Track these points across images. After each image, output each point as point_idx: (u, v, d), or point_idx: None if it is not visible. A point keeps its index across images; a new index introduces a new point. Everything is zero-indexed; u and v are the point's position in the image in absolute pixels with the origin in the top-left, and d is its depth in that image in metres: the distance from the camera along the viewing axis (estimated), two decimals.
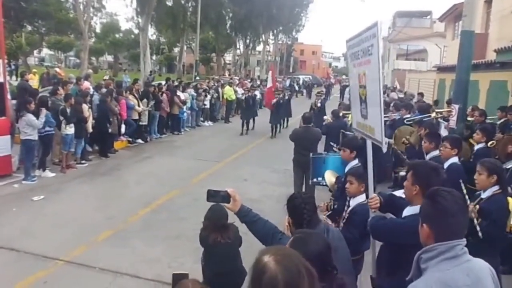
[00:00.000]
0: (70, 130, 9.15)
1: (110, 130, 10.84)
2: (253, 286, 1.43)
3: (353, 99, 3.52)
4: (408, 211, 2.82)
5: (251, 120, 16.65)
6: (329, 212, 4.50)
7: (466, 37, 7.59)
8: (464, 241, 1.85)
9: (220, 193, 2.67)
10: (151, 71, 45.10)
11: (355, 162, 4.66)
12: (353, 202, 3.69)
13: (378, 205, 3.09)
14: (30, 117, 8.16)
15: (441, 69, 20.35)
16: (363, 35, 2.89)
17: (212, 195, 2.68)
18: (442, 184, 2.93)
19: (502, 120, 8.24)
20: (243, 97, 17.49)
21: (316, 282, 1.43)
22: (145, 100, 12.69)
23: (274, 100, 15.69)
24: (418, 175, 2.78)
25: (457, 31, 20.57)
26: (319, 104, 14.29)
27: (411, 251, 2.11)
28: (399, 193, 3.60)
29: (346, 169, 4.58)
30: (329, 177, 5.06)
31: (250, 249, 3.69)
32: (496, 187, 3.79)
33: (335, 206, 4.31)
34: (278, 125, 16.25)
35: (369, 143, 3.17)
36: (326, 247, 2.04)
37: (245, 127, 16.14)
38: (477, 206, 3.80)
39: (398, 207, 3.03)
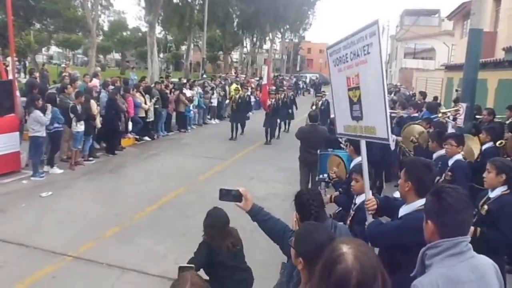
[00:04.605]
0: (80, 127, 9.23)
1: (120, 128, 10.94)
2: (322, 271, 1.35)
3: (337, 104, 3.33)
4: (404, 210, 2.80)
5: (241, 124, 14.70)
6: (338, 209, 4.54)
7: (474, 36, 7.54)
8: (468, 237, 1.87)
9: (232, 192, 2.69)
10: (165, 69, 45.42)
11: (360, 158, 4.65)
12: (359, 200, 3.70)
13: (375, 207, 3.04)
14: (37, 113, 8.23)
15: (449, 67, 20.20)
16: (353, 37, 2.81)
17: (224, 194, 2.70)
18: (434, 180, 2.92)
19: (511, 119, 8.18)
20: (236, 97, 15.01)
21: None
22: (147, 96, 12.71)
23: (271, 101, 13.92)
24: (410, 172, 2.78)
25: (465, 29, 20.42)
26: (319, 104, 13.86)
27: (408, 250, 2.11)
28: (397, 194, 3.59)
29: (351, 165, 4.58)
30: (330, 163, 5.10)
31: (256, 247, 3.74)
32: (504, 187, 3.75)
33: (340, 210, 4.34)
34: (274, 130, 14.28)
35: (363, 143, 3.12)
36: (330, 240, 2.04)
37: (239, 131, 14.54)
38: (486, 206, 3.78)
39: (394, 208, 3.00)
